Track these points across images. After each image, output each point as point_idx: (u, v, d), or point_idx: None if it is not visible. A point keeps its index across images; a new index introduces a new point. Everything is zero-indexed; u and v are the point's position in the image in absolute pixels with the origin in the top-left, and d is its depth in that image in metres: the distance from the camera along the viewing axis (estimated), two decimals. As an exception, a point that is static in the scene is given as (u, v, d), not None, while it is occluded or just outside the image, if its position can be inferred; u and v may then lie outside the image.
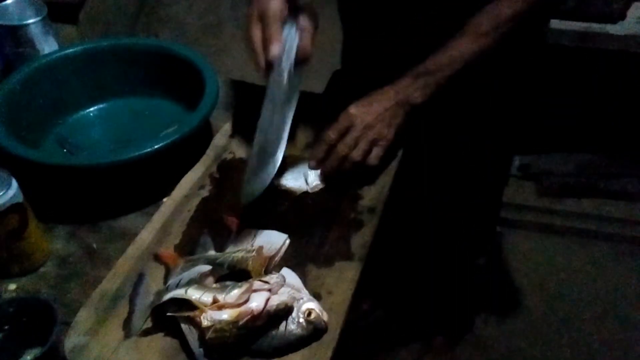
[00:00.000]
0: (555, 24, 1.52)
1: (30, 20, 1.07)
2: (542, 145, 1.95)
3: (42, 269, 0.79)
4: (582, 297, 1.74)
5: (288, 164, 0.89)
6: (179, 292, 0.66)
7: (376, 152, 0.85)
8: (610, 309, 1.70)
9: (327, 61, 1.22)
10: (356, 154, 0.84)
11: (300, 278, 0.72)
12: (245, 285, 0.65)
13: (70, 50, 1.04)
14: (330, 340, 0.67)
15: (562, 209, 1.91)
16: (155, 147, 0.82)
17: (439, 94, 0.85)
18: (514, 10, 0.83)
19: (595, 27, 1.54)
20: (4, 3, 1.10)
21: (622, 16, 1.55)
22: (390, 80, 0.87)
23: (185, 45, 1.06)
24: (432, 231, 1.21)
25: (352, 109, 0.85)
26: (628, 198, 1.90)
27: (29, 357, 0.61)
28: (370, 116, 0.84)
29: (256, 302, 0.64)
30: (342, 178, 0.86)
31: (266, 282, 0.66)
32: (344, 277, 0.74)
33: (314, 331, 0.66)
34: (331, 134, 0.85)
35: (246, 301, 0.64)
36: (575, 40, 1.54)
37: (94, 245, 0.82)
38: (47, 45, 1.10)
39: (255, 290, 0.65)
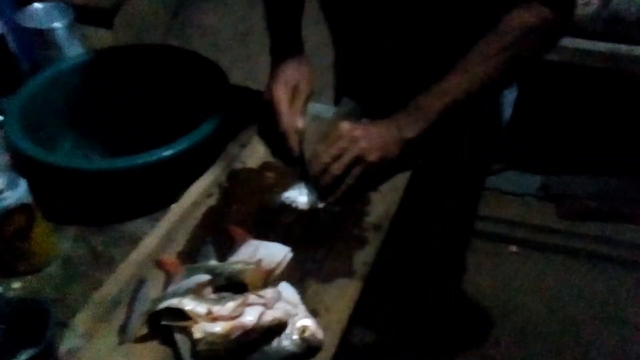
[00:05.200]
0: (582, 44, 1.49)
1: (57, 24, 1.10)
2: (566, 167, 1.91)
3: (47, 269, 0.80)
4: (600, 324, 1.68)
5: (295, 178, 0.89)
6: (174, 301, 0.66)
7: (354, 172, 0.84)
8: (634, 341, 1.64)
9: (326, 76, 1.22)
10: (336, 167, 0.83)
11: (299, 293, 0.71)
12: (240, 299, 0.65)
13: (93, 54, 1.06)
14: (324, 358, 0.66)
15: (583, 232, 1.86)
16: (164, 154, 0.83)
17: (435, 128, 0.84)
18: (501, 44, 0.81)
19: (623, 48, 1.50)
20: (33, 7, 1.13)
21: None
22: (384, 105, 0.87)
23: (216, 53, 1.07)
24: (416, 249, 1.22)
25: (345, 124, 0.86)
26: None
27: (23, 357, 0.62)
28: (359, 131, 0.84)
29: (250, 317, 0.63)
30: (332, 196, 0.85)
31: (261, 297, 0.65)
32: (344, 294, 0.73)
33: (308, 349, 0.65)
34: (319, 145, 0.86)
35: (240, 315, 0.63)
36: (601, 61, 1.51)
37: (99, 248, 0.83)
38: (73, 49, 1.13)
39: (249, 304, 0.64)
